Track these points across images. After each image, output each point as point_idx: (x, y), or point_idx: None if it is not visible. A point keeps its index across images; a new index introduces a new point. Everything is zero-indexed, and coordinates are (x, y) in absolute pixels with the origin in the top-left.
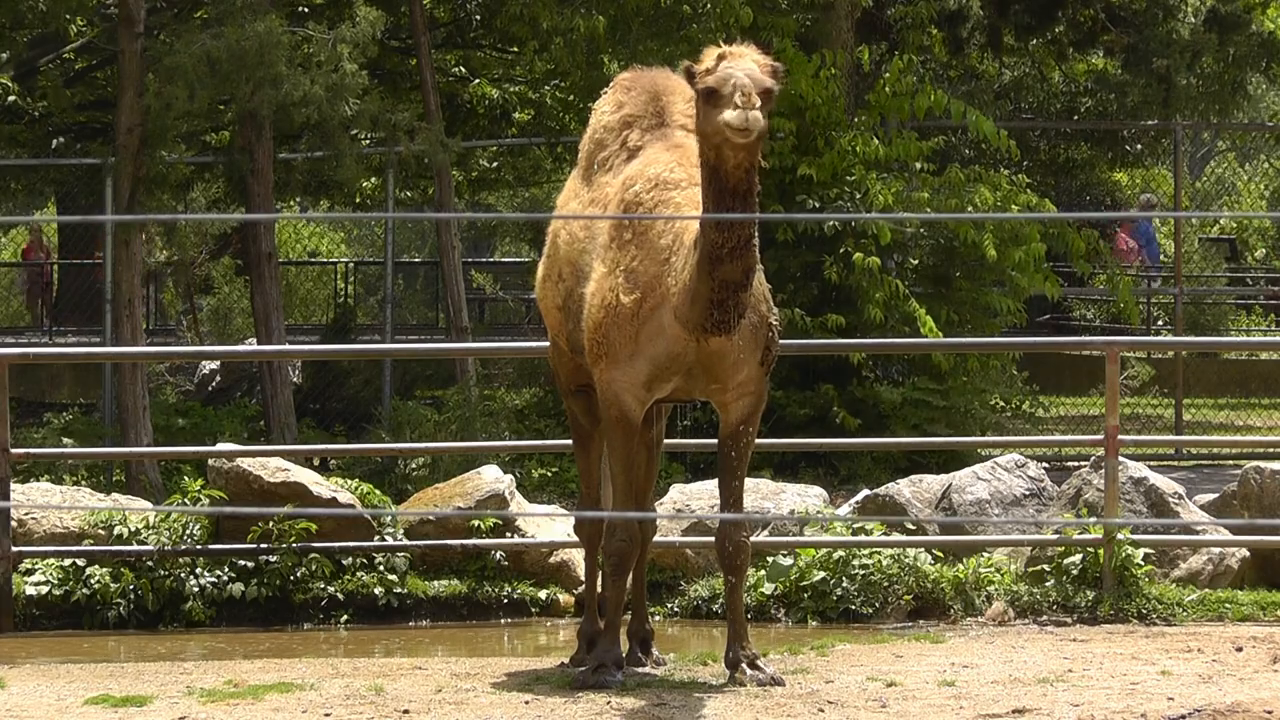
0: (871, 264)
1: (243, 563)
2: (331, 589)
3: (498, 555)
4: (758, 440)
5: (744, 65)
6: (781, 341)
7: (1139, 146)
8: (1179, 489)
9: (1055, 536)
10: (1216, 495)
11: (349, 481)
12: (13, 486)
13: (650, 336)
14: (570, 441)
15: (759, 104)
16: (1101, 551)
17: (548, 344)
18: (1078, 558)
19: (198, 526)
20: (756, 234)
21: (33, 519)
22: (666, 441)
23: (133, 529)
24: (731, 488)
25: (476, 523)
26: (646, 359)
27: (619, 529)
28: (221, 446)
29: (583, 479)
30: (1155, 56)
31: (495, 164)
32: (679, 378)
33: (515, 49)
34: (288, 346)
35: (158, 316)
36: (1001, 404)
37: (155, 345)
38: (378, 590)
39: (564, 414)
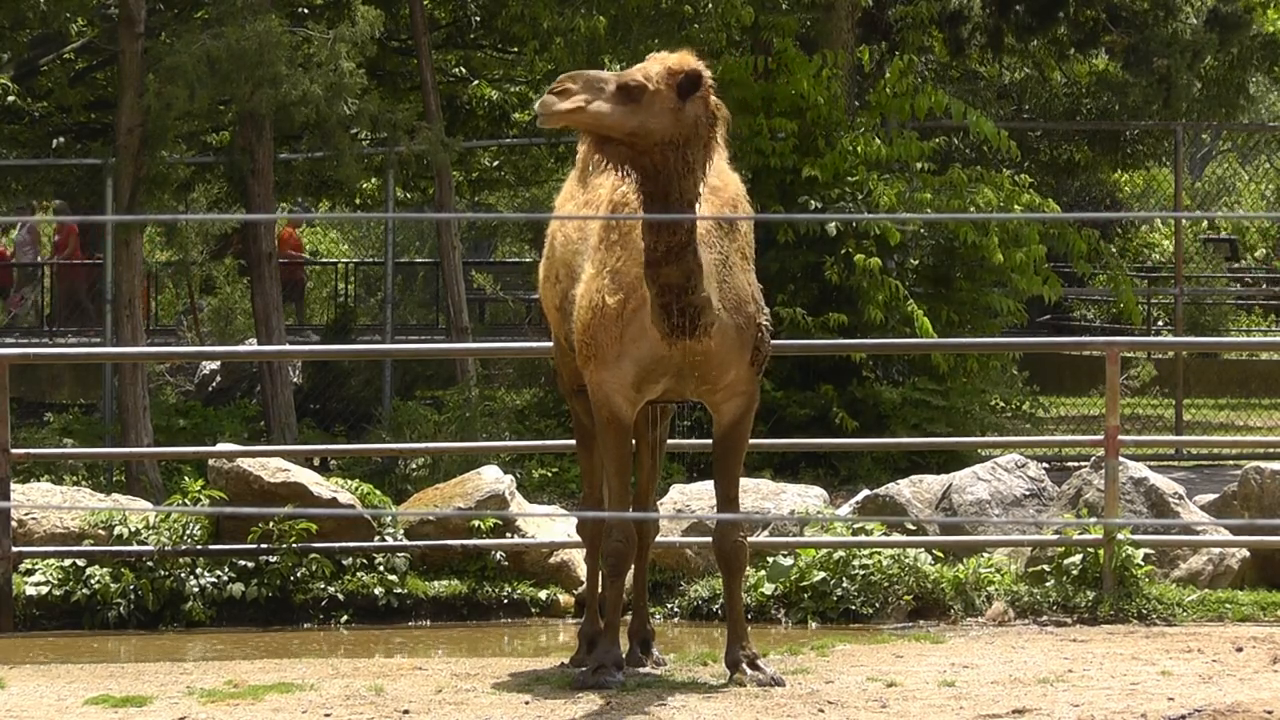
0: (872, 265)
1: (243, 563)
2: (332, 589)
3: (498, 555)
4: (758, 440)
5: (638, 66)
6: (782, 341)
7: (1141, 148)
8: (1179, 489)
9: (1055, 537)
10: (1217, 495)
11: (349, 482)
12: (13, 487)
13: (634, 338)
14: (570, 441)
15: (569, 89)
16: (1102, 552)
17: (548, 344)
18: (1078, 558)
19: (198, 527)
20: (693, 238)
21: (33, 519)
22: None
23: (133, 529)
24: (727, 488)
25: (477, 523)
26: (632, 360)
27: (615, 530)
28: (222, 447)
29: (585, 479)
30: (1156, 57)
31: (496, 164)
32: (668, 379)
33: (515, 49)
34: (288, 347)
35: (156, 317)
36: (1002, 404)
37: (155, 346)
38: (378, 590)
39: (564, 414)
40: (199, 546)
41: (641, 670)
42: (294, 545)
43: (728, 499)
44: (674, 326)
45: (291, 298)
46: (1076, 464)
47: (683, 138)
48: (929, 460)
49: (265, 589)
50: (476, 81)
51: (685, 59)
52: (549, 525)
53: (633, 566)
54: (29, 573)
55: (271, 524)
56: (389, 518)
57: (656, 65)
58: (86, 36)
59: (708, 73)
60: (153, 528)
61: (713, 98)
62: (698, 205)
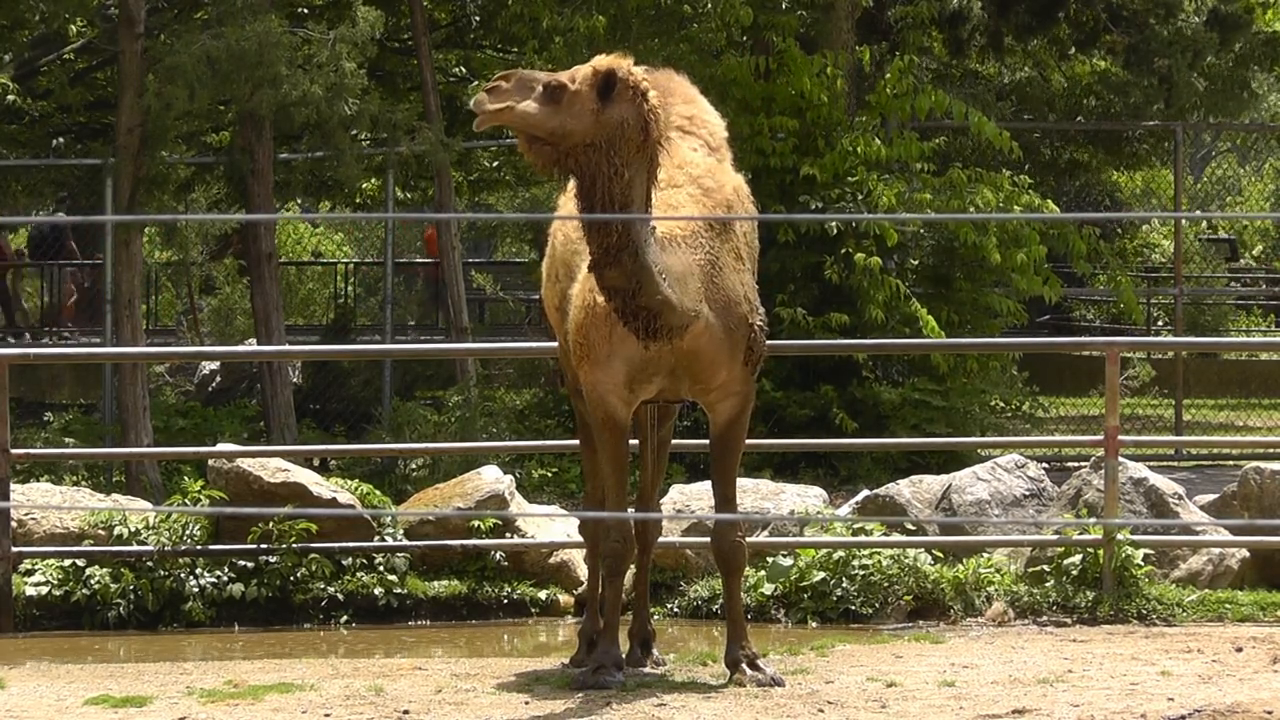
0: (873, 264)
1: (243, 563)
2: (331, 589)
3: (498, 556)
4: (758, 440)
5: (579, 66)
6: (781, 341)
7: (1144, 147)
8: (1179, 489)
9: (1055, 537)
10: (1216, 496)
11: (349, 482)
12: (13, 487)
13: (622, 338)
14: (570, 441)
15: (502, 88)
16: (1101, 552)
17: (548, 344)
18: (1078, 558)
19: (198, 527)
20: (630, 240)
21: (33, 519)
22: None
23: (133, 529)
24: (724, 488)
25: (476, 523)
26: (622, 359)
27: (613, 530)
28: (221, 447)
29: (588, 479)
30: (1157, 56)
31: (496, 164)
32: (661, 379)
33: (515, 49)
34: (287, 347)
35: (155, 317)
36: (1001, 404)
37: (155, 346)
38: (378, 590)
39: (564, 414)
40: (199, 547)
41: (642, 670)
42: (294, 545)
43: (725, 499)
44: (634, 330)
45: (440, 300)
46: (1076, 464)
47: (604, 139)
48: (929, 460)
49: (265, 589)
50: (477, 82)
51: (614, 60)
52: (549, 525)
53: (634, 566)
54: (29, 573)
55: (271, 524)
56: (389, 518)
57: (586, 66)
58: (86, 37)
59: (635, 74)
60: (152, 528)
61: (648, 101)
62: (648, 207)
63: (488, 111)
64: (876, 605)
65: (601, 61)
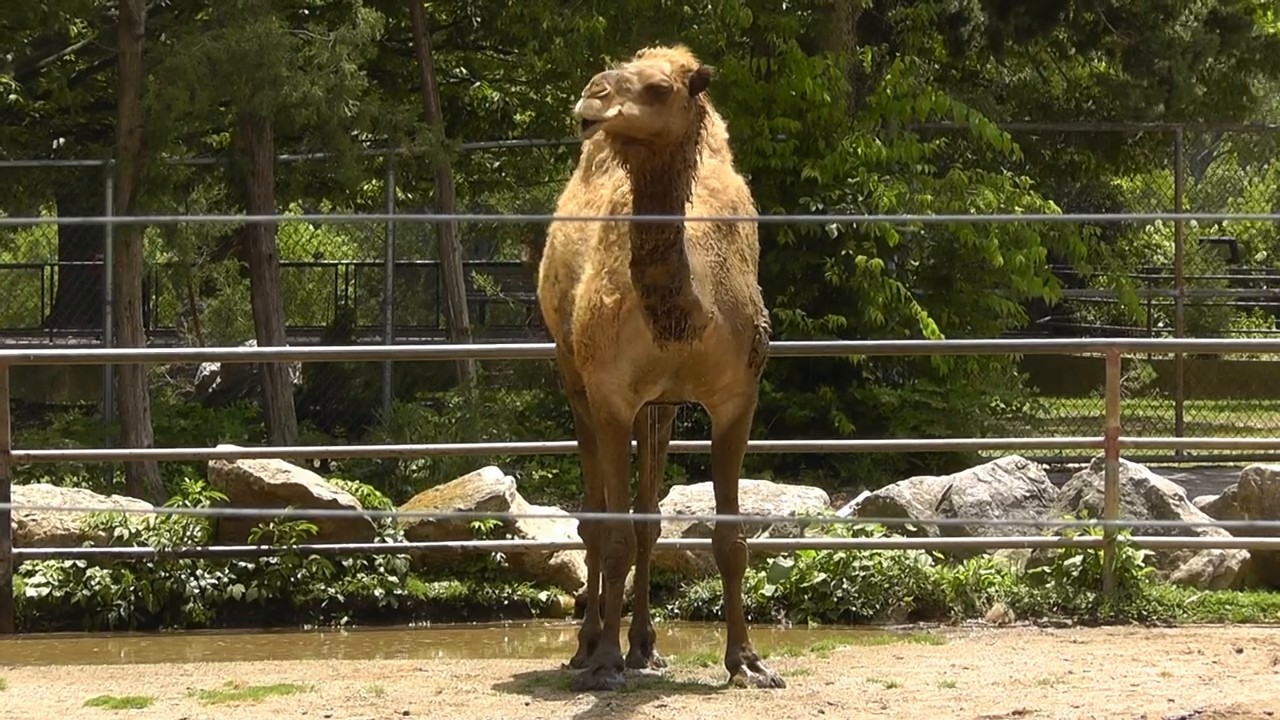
0: (873, 266)
1: (243, 564)
2: (332, 590)
3: (498, 557)
4: (759, 442)
5: (644, 64)
6: (781, 343)
7: (1142, 150)
8: (1179, 490)
9: (1056, 538)
10: (1217, 497)
11: (349, 483)
12: (13, 488)
13: (629, 338)
14: (570, 442)
15: (607, 91)
16: (1102, 553)
17: (548, 345)
18: (1078, 559)
19: (198, 528)
20: (680, 238)
21: (33, 520)
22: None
23: (133, 530)
24: (726, 489)
25: (477, 524)
26: (628, 360)
27: (614, 531)
28: (222, 448)
29: (587, 480)
30: (1157, 58)
31: (497, 165)
32: (666, 380)
33: (516, 50)
34: (288, 348)
35: (156, 318)
36: (1002, 406)
37: (155, 347)
38: (378, 592)
39: (564, 415)
40: (199, 548)
41: (642, 671)
42: (294, 546)
43: (726, 500)
44: (662, 328)
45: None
46: (1077, 465)
47: (687, 135)
48: (929, 462)
49: (265, 590)
50: (478, 83)
51: (685, 55)
52: (549, 526)
53: (634, 568)
54: (29, 574)
55: (272, 525)
56: (389, 519)
57: (665, 63)
58: (87, 38)
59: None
60: (153, 529)
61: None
62: (689, 205)
63: (606, 119)
64: (877, 606)
65: (676, 56)
